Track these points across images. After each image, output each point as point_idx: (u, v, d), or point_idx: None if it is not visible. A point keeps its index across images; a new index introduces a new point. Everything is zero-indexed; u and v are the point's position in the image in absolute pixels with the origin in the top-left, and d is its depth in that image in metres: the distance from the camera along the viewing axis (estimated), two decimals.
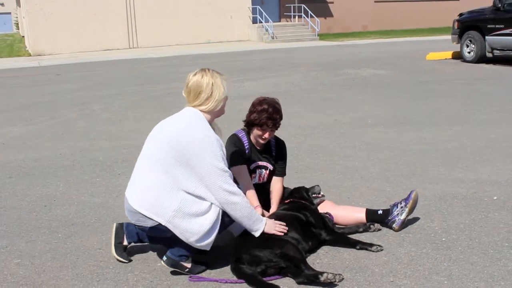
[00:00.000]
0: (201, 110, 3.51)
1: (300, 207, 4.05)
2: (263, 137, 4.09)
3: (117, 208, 4.77)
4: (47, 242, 4.18)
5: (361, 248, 3.78)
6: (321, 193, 4.31)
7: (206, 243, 3.45)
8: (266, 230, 3.53)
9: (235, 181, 3.84)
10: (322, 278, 3.24)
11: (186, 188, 3.37)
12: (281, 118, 4.11)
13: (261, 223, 3.54)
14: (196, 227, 3.37)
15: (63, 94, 12.30)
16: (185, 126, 3.45)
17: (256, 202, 4.06)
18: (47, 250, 4.02)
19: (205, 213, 3.40)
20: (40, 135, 8.13)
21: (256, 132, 4.09)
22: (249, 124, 4.12)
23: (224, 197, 3.39)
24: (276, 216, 3.90)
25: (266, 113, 4.00)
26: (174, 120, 3.56)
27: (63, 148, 7.16)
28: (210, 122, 3.54)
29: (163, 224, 3.38)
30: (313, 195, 4.27)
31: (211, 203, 3.42)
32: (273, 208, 4.19)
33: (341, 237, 3.93)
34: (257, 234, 3.51)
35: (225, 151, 3.51)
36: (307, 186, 4.37)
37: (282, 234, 3.58)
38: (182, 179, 3.37)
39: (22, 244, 4.15)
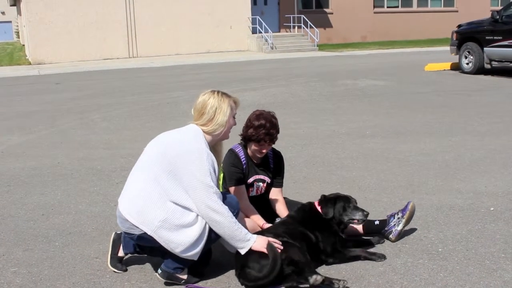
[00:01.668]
0: (202, 130, 3.53)
1: (315, 222, 3.86)
2: (261, 152, 4.12)
3: (114, 217, 4.71)
4: (44, 250, 4.18)
5: (365, 259, 3.77)
6: (361, 219, 3.88)
7: (192, 254, 3.41)
8: (255, 248, 3.39)
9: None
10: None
11: (175, 199, 3.37)
12: (277, 132, 4.11)
13: (246, 243, 3.40)
14: (181, 238, 3.36)
15: (62, 103, 12.33)
16: (179, 138, 3.48)
17: (261, 220, 4.07)
18: (44, 259, 4.02)
19: (192, 224, 3.38)
20: (39, 143, 8.15)
21: (253, 147, 4.11)
22: (246, 139, 4.14)
23: (206, 212, 3.35)
24: (286, 227, 3.76)
25: (264, 128, 4.01)
26: (173, 132, 3.60)
27: (62, 157, 7.17)
28: (210, 143, 3.55)
29: (148, 233, 3.38)
30: (349, 219, 3.86)
31: (197, 215, 3.40)
32: None
33: (345, 257, 3.78)
34: (242, 251, 3.42)
35: (217, 168, 3.48)
36: (326, 195, 3.99)
37: (272, 252, 3.38)
38: (171, 189, 3.37)
39: (19, 253, 4.15)
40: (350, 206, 3.89)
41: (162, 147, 3.48)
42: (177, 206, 3.38)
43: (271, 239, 3.47)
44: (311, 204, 3.99)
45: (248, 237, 3.42)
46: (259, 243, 3.42)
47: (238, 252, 3.48)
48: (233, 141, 4.34)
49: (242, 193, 4.10)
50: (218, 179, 4.17)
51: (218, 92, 3.60)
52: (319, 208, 3.91)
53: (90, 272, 3.79)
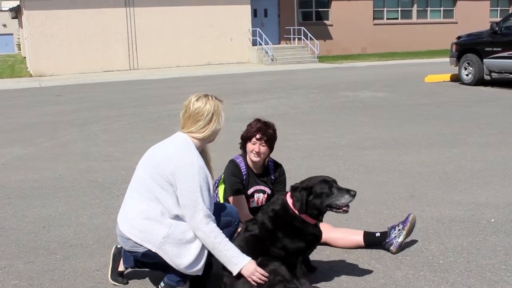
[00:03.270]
0: (192, 137, 3.46)
1: (287, 223, 3.46)
2: (255, 152, 4.08)
3: (115, 229, 4.76)
4: (45, 263, 4.18)
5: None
6: (346, 207, 3.38)
7: (196, 269, 3.38)
8: (243, 273, 3.29)
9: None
10: None
11: (175, 214, 3.35)
12: (273, 131, 4.14)
13: (234, 266, 3.30)
14: (185, 253, 3.33)
15: (63, 115, 12.36)
16: (171, 153, 3.40)
17: None
18: (45, 271, 4.02)
19: (194, 239, 3.35)
20: (40, 156, 8.16)
21: (249, 147, 4.12)
22: (242, 143, 4.17)
23: (192, 229, 3.32)
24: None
25: (255, 126, 4.10)
26: (163, 146, 3.53)
27: (63, 169, 7.18)
28: (200, 149, 3.49)
29: (153, 250, 3.36)
30: (333, 208, 3.41)
31: None
32: None
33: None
34: (233, 273, 3.34)
35: (210, 180, 3.42)
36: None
37: (255, 284, 3.29)
38: (169, 204, 3.34)
39: (20, 265, 4.15)
40: (333, 191, 3.37)
41: (154, 163, 3.42)
42: (179, 221, 3.35)
43: (260, 270, 3.31)
44: (283, 200, 3.55)
45: (235, 261, 3.30)
46: (248, 270, 3.30)
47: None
48: (235, 152, 4.36)
49: (241, 203, 4.11)
50: (216, 190, 4.18)
51: (211, 96, 3.50)
52: (290, 203, 3.49)
53: (91, 285, 3.79)
